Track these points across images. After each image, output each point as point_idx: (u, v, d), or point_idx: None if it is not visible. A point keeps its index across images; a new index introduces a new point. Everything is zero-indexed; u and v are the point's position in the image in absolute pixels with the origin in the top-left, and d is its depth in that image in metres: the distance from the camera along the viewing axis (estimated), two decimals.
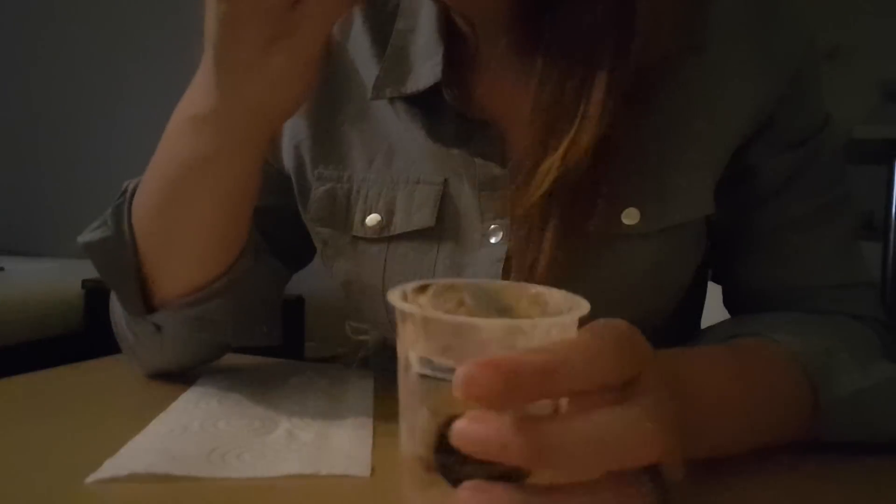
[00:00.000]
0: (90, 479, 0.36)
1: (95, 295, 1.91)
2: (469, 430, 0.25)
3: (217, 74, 0.44)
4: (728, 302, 0.62)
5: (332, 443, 0.43)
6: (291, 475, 0.38)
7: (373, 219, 0.55)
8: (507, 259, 0.52)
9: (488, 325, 0.28)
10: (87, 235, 0.53)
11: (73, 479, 0.37)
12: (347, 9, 0.42)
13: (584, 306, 0.28)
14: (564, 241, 0.48)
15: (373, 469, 0.39)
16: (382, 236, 0.55)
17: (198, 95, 0.46)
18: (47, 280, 2.02)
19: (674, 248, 0.53)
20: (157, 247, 0.51)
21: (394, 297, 0.28)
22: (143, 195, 0.52)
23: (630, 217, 0.50)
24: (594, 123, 0.46)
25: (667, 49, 0.49)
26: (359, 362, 0.78)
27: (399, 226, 0.54)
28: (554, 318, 0.28)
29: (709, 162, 0.53)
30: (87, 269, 2.01)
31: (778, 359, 0.46)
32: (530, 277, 0.48)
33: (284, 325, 0.61)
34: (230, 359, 0.64)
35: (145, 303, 0.53)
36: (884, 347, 0.52)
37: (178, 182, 0.49)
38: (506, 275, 0.52)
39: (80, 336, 1.92)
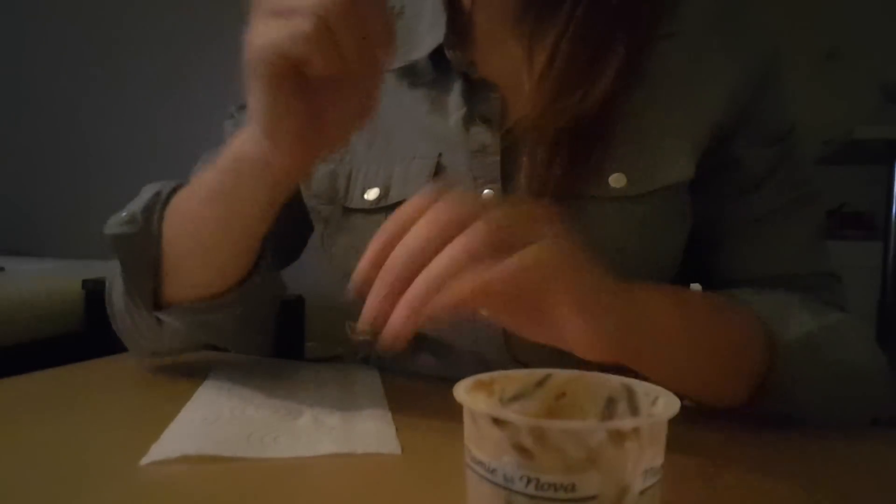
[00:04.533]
0: (144, 461, 0.38)
1: (95, 295, 1.91)
2: None
3: (262, 137, 0.43)
4: None
5: (358, 426, 0.45)
6: (329, 454, 0.41)
7: (372, 192, 0.59)
8: None
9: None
10: (116, 228, 0.54)
11: (72, 479, 0.37)
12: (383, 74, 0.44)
13: (675, 402, 0.29)
14: (565, 183, 0.53)
15: (402, 448, 0.42)
16: (380, 206, 0.58)
17: (248, 141, 0.47)
18: (47, 280, 2.02)
19: (659, 215, 0.56)
20: (182, 253, 0.53)
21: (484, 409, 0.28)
22: (183, 202, 0.54)
23: (617, 181, 0.54)
24: (612, 74, 0.53)
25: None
26: (358, 362, 0.78)
27: (395, 196, 0.58)
28: (650, 419, 0.29)
29: (687, 130, 0.57)
30: (87, 269, 2.00)
31: (730, 303, 0.51)
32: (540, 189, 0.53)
33: (284, 325, 0.61)
34: (235, 358, 0.64)
35: (154, 298, 0.55)
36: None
37: (218, 201, 0.50)
38: None
39: (80, 336, 1.91)
